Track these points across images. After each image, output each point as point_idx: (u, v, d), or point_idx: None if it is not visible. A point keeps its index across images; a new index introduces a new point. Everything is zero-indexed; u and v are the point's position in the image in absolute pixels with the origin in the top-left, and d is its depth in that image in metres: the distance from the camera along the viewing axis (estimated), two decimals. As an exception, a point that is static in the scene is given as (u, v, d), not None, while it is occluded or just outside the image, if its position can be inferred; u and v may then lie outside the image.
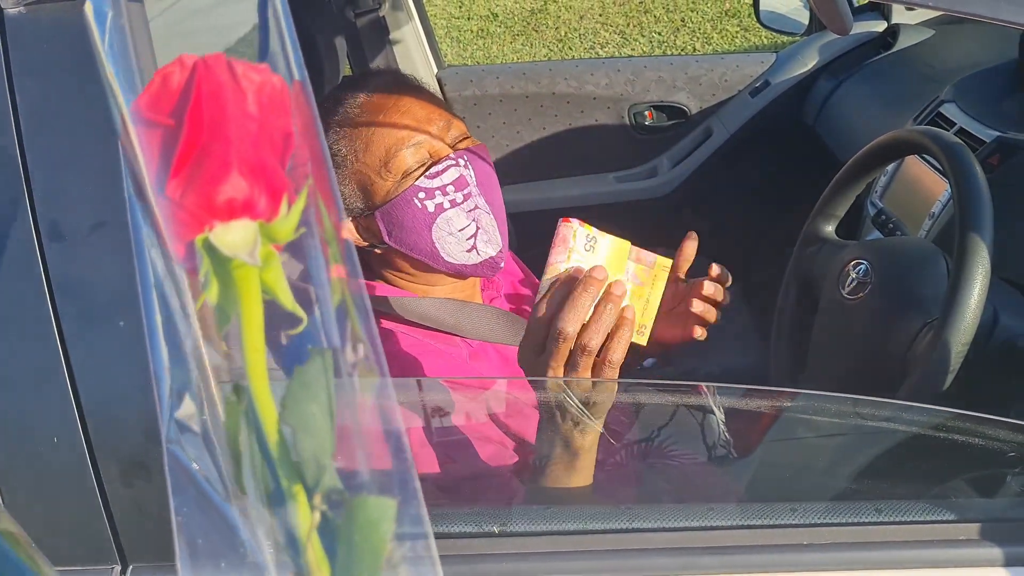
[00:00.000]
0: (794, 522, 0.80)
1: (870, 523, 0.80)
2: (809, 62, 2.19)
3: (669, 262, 0.92)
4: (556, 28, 5.17)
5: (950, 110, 1.58)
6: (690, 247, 1.03)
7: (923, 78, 1.86)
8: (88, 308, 0.76)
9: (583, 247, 0.87)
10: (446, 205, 1.07)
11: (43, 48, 0.76)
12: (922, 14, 2.08)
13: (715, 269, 1.04)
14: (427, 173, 1.07)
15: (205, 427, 0.38)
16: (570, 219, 0.88)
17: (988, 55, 1.72)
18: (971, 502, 0.83)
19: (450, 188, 1.07)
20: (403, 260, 1.14)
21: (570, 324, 0.83)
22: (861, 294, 1.19)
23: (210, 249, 0.35)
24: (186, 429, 0.38)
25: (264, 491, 0.35)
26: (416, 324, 1.11)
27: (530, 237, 1.76)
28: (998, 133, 1.45)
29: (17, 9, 0.75)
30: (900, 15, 2.08)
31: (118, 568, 0.80)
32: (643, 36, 4.91)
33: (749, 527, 0.80)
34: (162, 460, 0.38)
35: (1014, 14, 0.70)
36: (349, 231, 1.13)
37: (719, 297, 1.02)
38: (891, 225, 1.54)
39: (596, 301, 0.84)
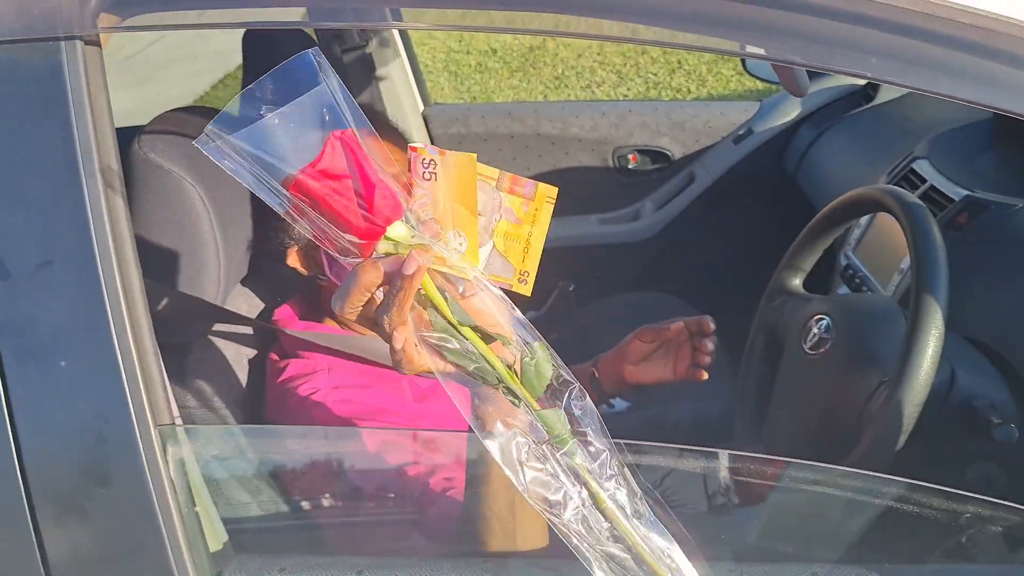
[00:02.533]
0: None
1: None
2: (792, 112, 2.22)
3: (554, 190, 0.71)
4: (553, 66, 5.22)
5: (922, 166, 1.60)
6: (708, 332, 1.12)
7: (900, 132, 1.88)
8: (29, 346, 0.76)
9: (423, 175, 0.69)
10: None
11: (-2, 87, 0.77)
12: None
13: (710, 326, 1.13)
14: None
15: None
16: (417, 145, 0.69)
17: (964, 112, 1.74)
18: (906, 568, 0.83)
19: None
20: None
21: (338, 311, 0.68)
22: (822, 349, 1.20)
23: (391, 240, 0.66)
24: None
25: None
26: (362, 360, 1.11)
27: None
28: (967, 192, 1.46)
29: (-26, 48, 0.76)
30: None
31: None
32: (639, 76, 4.95)
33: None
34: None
35: (952, 88, 0.71)
36: (294, 260, 1.14)
37: (710, 348, 1.12)
38: (858, 280, 1.55)
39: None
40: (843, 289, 1.62)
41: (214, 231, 1.04)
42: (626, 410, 1.82)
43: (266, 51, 1.68)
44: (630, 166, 2.31)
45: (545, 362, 0.71)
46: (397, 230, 0.67)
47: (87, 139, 0.76)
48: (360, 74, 2.10)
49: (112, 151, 0.77)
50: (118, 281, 0.75)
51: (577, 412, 0.71)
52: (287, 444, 0.92)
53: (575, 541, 0.69)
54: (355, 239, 0.64)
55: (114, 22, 0.79)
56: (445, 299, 0.69)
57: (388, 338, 0.67)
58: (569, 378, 0.71)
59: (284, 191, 0.62)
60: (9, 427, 0.76)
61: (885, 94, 2.06)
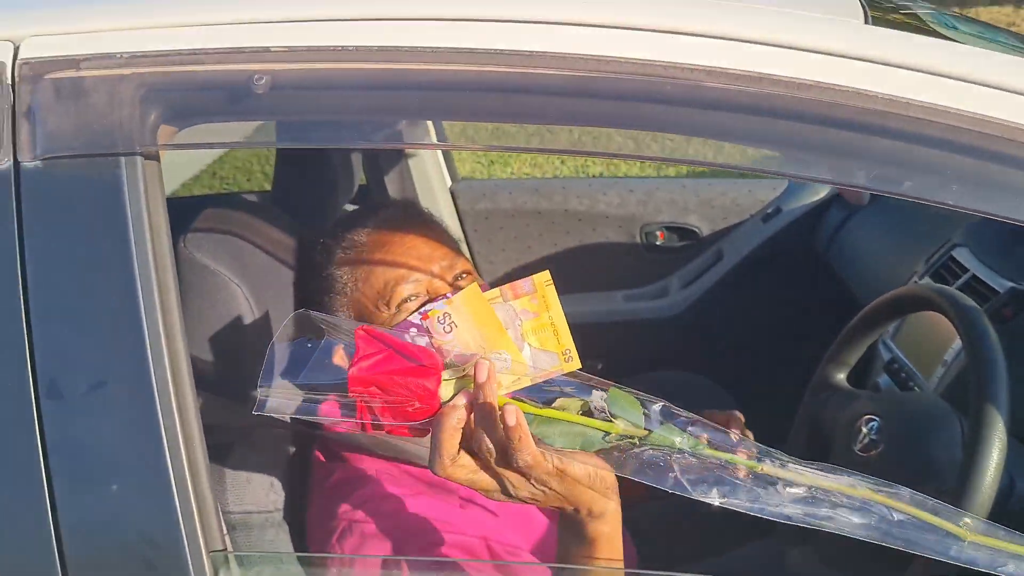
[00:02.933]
0: None
1: None
2: (821, 191, 2.20)
3: (546, 273, 0.81)
4: (570, 131, 5.26)
5: (962, 255, 1.58)
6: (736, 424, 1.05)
7: (934, 215, 1.86)
8: (81, 469, 0.74)
9: (443, 332, 0.76)
10: None
11: (56, 202, 0.76)
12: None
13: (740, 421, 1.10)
14: (421, 310, 1.07)
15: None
16: (426, 311, 0.78)
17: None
18: None
19: None
20: None
21: (439, 467, 0.74)
22: (873, 452, 1.17)
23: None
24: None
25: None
26: (407, 462, 1.09)
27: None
28: (1012, 284, 1.44)
29: (34, 163, 0.76)
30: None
31: None
32: (656, 143, 4.97)
33: None
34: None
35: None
36: (340, 357, 1.12)
37: None
38: (904, 374, 1.52)
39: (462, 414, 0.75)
40: (884, 379, 1.59)
41: (259, 331, 1.03)
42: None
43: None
44: (657, 243, 2.30)
45: (624, 398, 0.79)
46: (447, 376, 0.74)
47: (145, 255, 0.75)
48: (390, 151, 2.11)
49: (169, 267, 0.76)
50: (173, 402, 0.74)
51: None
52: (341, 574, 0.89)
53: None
54: (416, 403, 0.71)
55: (172, 135, 0.78)
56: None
57: (528, 472, 0.73)
58: (650, 396, 0.80)
59: (347, 396, 0.72)
60: (57, 553, 0.73)
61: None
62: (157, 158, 0.77)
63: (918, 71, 0.73)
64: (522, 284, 0.80)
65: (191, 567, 0.73)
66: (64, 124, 0.76)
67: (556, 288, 0.81)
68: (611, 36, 0.75)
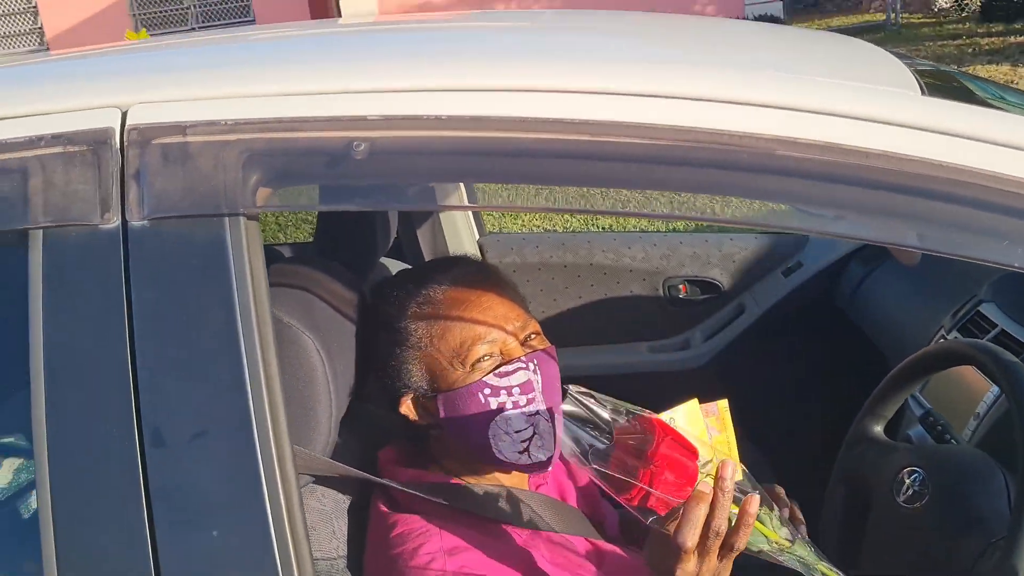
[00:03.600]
0: None
1: None
2: (841, 246, 2.25)
3: (725, 402, 1.00)
4: (664, 197, 5.32)
5: (990, 310, 1.62)
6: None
7: (959, 270, 1.91)
8: (183, 515, 0.77)
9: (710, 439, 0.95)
10: (508, 405, 1.09)
11: (162, 260, 0.80)
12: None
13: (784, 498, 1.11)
14: (497, 371, 1.09)
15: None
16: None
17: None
18: None
19: (515, 390, 1.09)
20: (460, 449, 1.15)
21: (689, 539, 0.89)
22: (918, 504, 1.20)
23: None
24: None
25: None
26: (467, 512, 1.11)
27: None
28: (1041, 338, 1.48)
29: (141, 223, 0.80)
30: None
31: None
32: (663, 196, 5.04)
33: None
34: None
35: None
36: (408, 408, 1.15)
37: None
38: (940, 427, 1.55)
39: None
40: (917, 430, 1.62)
41: (328, 381, 1.06)
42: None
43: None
44: (680, 296, 2.34)
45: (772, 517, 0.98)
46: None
47: (247, 309, 0.78)
48: (421, 206, 2.16)
49: (268, 321, 0.80)
50: (273, 451, 0.77)
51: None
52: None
53: None
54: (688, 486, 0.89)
55: (270, 197, 0.82)
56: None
57: (731, 553, 0.92)
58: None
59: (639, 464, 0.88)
60: (159, 597, 0.76)
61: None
62: (257, 218, 0.81)
63: (977, 140, 0.78)
64: (711, 407, 0.99)
65: (288, 612, 0.76)
66: (170, 186, 0.80)
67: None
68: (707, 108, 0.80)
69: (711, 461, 0.92)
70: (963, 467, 1.19)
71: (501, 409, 1.09)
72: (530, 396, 1.10)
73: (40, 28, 11.62)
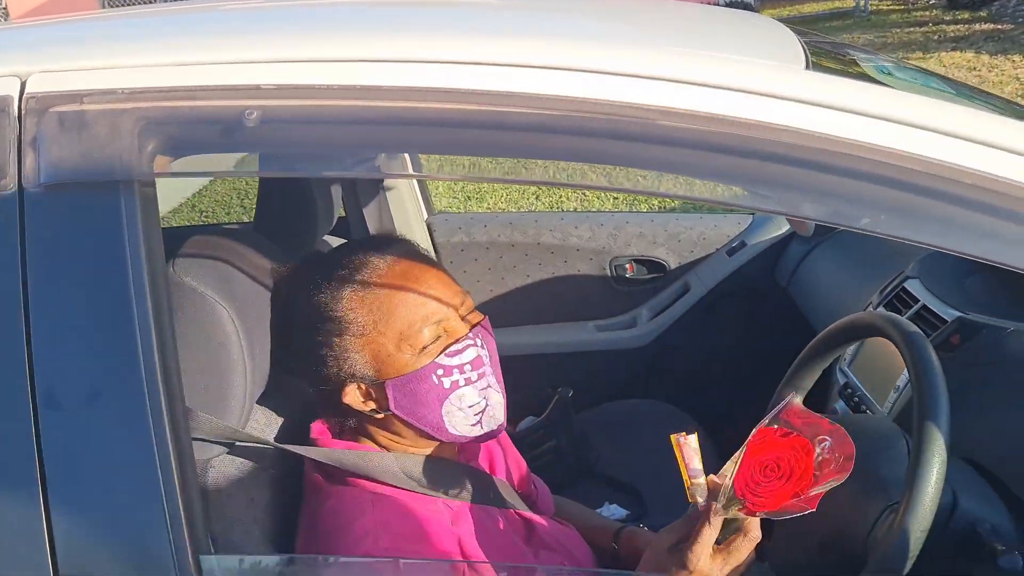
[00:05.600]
0: None
1: None
2: (783, 225, 2.29)
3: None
4: (545, 166, 5.34)
5: (914, 286, 1.66)
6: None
7: (890, 250, 1.95)
8: (75, 476, 0.78)
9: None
10: (461, 383, 1.10)
11: (57, 225, 0.81)
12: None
13: None
14: (447, 351, 1.10)
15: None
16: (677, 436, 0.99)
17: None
18: None
19: (467, 367, 1.10)
20: (402, 427, 1.15)
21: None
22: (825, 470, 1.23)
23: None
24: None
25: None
26: (394, 486, 1.12)
27: (511, 382, 1.80)
28: (959, 313, 1.51)
29: (36, 189, 0.81)
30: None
31: None
32: (628, 180, 5.07)
33: None
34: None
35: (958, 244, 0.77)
36: (353, 397, 1.13)
37: None
38: (856, 399, 1.59)
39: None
40: (840, 405, 1.66)
41: (243, 351, 1.07)
42: (624, 518, 1.84)
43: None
44: (627, 275, 2.37)
45: None
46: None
47: (140, 275, 0.80)
48: (367, 183, 2.17)
49: (163, 287, 0.81)
50: (165, 413, 0.79)
51: None
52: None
53: None
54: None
55: (167, 165, 0.84)
56: None
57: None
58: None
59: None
60: (50, 557, 0.78)
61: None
62: (153, 186, 0.83)
63: (854, 113, 0.81)
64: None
65: (177, 571, 0.78)
66: (67, 153, 0.81)
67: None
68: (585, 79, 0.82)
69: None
70: (868, 434, 1.22)
71: (455, 387, 1.10)
72: (480, 371, 1.12)
73: (4, 8, 11.46)
